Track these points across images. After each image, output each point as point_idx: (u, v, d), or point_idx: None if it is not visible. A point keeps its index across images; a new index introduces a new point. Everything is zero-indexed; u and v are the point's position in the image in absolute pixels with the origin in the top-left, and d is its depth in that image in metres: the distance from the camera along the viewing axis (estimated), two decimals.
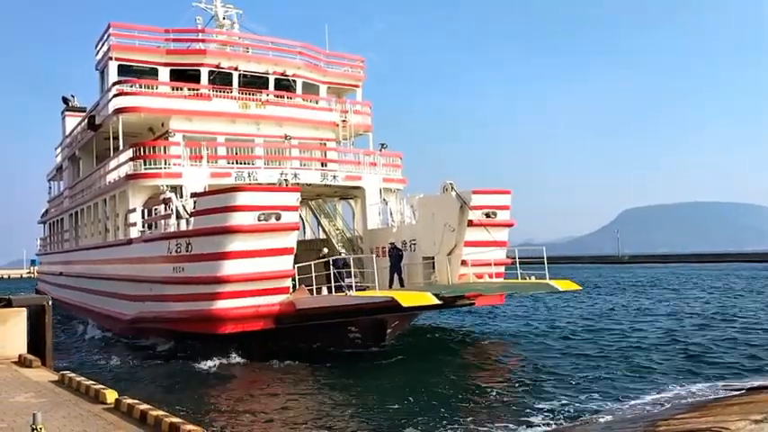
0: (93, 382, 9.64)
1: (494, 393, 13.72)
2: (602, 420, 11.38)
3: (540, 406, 12.52)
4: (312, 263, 17.68)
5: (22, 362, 12.20)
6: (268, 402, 13.50)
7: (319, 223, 30.10)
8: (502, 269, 21.02)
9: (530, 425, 11.40)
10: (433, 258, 21.41)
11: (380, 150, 27.33)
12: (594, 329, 23.79)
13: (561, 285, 18.17)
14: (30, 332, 12.97)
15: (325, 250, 20.89)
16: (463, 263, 20.40)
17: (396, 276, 21.11)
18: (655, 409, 12.09)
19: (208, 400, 13.78)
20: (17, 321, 12.75)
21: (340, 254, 23.65)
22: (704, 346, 19.26)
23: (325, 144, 28.24)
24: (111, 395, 8.88)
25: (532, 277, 19.23)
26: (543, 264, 19.22)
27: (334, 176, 24.90)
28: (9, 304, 13.09)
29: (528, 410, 12.27)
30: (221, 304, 17.17)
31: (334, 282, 17.89)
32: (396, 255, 21.38)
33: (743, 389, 12.98)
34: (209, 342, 18.04)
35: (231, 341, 17.88)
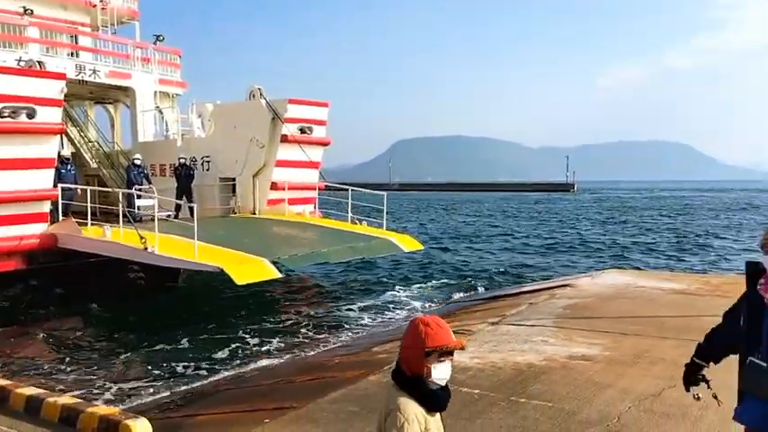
0: None
1: None
2: None
3: None
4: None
5: None
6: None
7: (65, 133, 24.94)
8: (315, 194, 19.29)
9: None
10: (233, 180, 18.83)
11: (155, 44, 23.22)
12: None
13: (405, 244, 16.02)
14: None
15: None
16: (273, 186, 18.20)
17: (184, 202, 18.11)
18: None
19: None
20: None
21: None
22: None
23: (77, 28, 23.07)
24: None
25: (364, 223, 17.18)
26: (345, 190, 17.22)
27: (94, 71, 20.58)
28: None
29: None
30: None
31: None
32: (186, 174, 18.37)
33: (485, 298, 14.59)
34: None
35: None
